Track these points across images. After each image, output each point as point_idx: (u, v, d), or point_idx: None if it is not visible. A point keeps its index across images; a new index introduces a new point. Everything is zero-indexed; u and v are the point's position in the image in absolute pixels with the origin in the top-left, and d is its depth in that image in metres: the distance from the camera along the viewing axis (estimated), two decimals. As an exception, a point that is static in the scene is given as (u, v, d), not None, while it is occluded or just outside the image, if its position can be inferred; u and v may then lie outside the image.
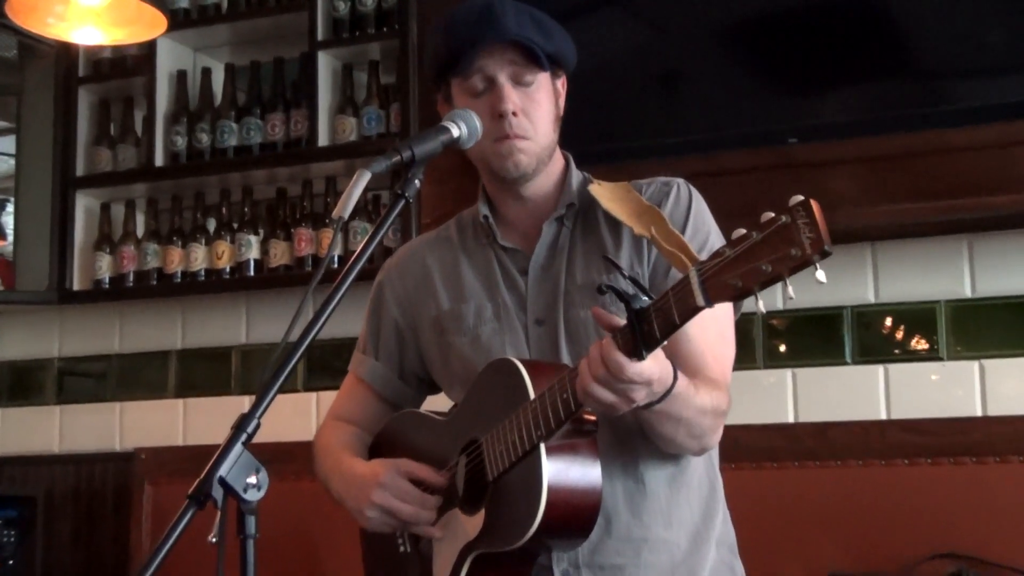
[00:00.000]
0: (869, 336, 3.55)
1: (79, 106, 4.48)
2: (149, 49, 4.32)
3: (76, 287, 4.40)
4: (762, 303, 1.70)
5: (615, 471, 2.23)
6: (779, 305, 3.59)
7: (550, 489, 2.04)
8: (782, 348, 3.63)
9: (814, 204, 1.62)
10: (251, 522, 1.72)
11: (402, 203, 1.98)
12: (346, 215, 1.87)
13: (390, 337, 2.53)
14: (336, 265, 3.97)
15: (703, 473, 2.34)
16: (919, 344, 3.50)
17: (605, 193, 2.28)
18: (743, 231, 1.69)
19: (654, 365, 1.90)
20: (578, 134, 3.78)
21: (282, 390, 1.79)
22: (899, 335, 3.52)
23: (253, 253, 4.18)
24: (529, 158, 2.30)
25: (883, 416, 3.47)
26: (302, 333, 1.83)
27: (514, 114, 2.26)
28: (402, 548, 2.40)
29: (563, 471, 2.07)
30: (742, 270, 1.68)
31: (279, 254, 4.14)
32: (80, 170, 4.44)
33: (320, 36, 4.11)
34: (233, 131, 4.23)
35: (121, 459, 4.37)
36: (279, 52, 4.30)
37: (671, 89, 3.68)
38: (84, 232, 4.44)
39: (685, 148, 3.52)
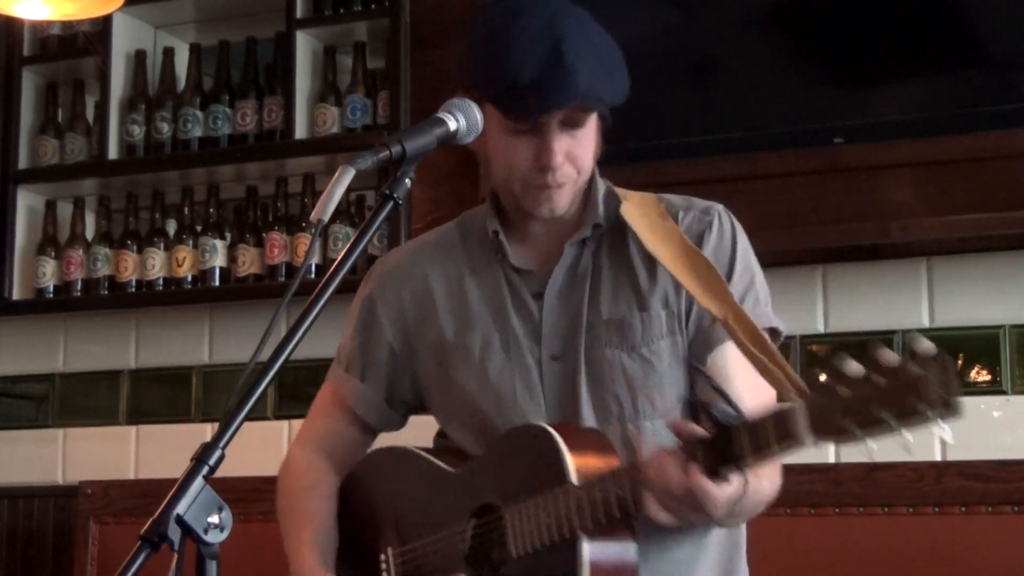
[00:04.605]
0: (923, 366, 3.54)
1: (22, 90, 4.49)
2: (103, 26, 4.34)
3: (15, 296, 4.42)
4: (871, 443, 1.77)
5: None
6: (819, 328, 3.59)
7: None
8: (823, 378, 3.61)
9: (949, 362, 1.70)
10: (212, 567, 1.71)
11: (390, 205, 1.98)
12: (326, 218, 1.86)
13: (381, 360, 2.53)
14: (314, 275, 4.00)
15: (725, 531, 2.38)
16: (980, 375, 3.50)
17: (634, 211, 2.32)
18: (858, 368, 1.76)
19: (739, 486, 1.98)
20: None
21: (249, 418, 1.78)
22: (957, 365, 3.52)
23: (219, 260, 4.20)
24: (567, 200, 2.33)
25: (937, 457, 3.47)
26: (273, 353, 1.83)
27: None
28: None
29: (601, 553, 2.12)
30: (859, 417, 1.75)
31: (248, 262, 4.16)
32: (22, 162, 4.46)
33: (298, 13, 4.13)
34: (198, 120, 4.25)
35: (63, 494, 4.37)
36: (251, 31, 4.31)
37: (702, 81, 3.68)
38: (26, 233, 4.46)
39: (717, 148, 3.52)
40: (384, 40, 4.07)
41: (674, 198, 2.40)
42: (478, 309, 2.41)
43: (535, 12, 2.24)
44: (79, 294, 4.35)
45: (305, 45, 4.15)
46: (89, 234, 4.43)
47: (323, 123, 4.08)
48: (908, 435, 1.71)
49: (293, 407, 4.20)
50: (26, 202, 4.46)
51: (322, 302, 1.88)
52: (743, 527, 2.40)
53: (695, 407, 1.98)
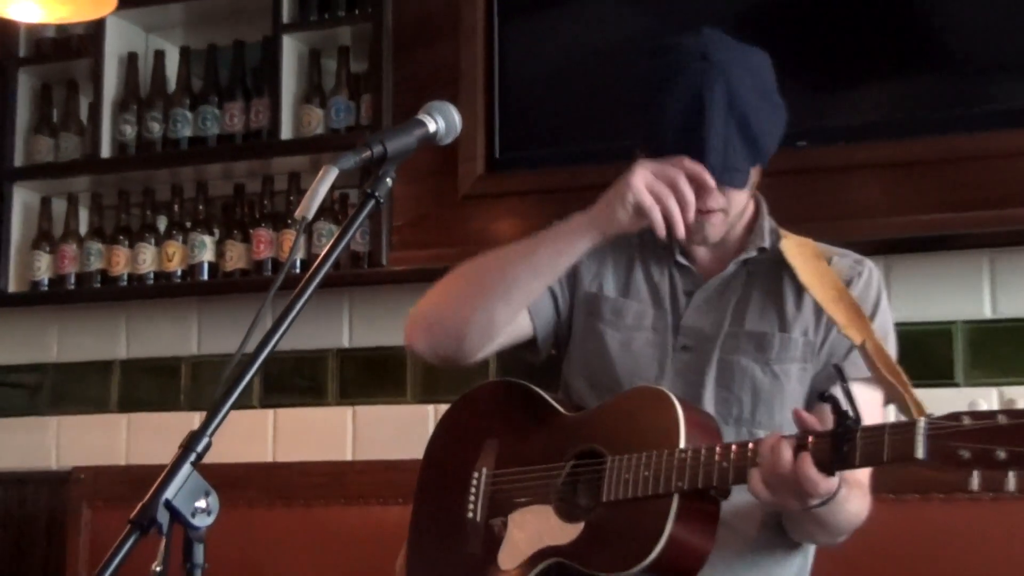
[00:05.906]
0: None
1: (18, 90, 4.49)
2: (96, 29, 4.34)
3: (11, 289, 4.42)
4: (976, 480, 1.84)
5: (722, 534, 2.32)
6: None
7: (667, 542, 2.19)
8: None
9: None
10: (199, 551, 1.72)
11: (372, 203, 1.99)
12: (310, 215, 1.88)
13: (556, 284, 2.59)
14: (298, 270, 4.00)
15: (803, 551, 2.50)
16: (933, 368, 3.50)
17: (792, 248, 2.44)
18: (986, 407, 1.85)
19: (836, 480, 2.08)
20: (563, 131, 3.78)
21: (236, 407, 1.80)
22: (911, 358, 3.52)
23: (207, 255, 4.20)
24: (719, 230, 2.46)
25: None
26: (259, 344, 1.84)
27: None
28: (471, 514, 2.52)
29: (684, 530, 2.21)
30: (976, 446, 1.82)
31: (235, 257, 4.17)
32: (18, 160, 4.46)
33: (285, 18, 4.14)
34: (187, 120, 4.26)
35: (56, 480, 4.36)
36: (239, 35, 4.32)
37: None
38: (21, 229, 4.46)
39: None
40: (368, 44, 4.06)
41: (830, 246, 2.54)
42: (641, 285, 2.53)
43: (687, 77, 2.34)
44: (72, 287, 4.35)
45: (291, 49, 4.15)
46: (82, 229, 4.44)
47: (308, 124, 4.10)
48: (1012, 475, 1.80)
49: (278, 397, 4.22)
50: (21, 199, 4.47)
51: (306, 296, 1.90)
52: (811, 557, 2.51)
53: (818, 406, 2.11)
